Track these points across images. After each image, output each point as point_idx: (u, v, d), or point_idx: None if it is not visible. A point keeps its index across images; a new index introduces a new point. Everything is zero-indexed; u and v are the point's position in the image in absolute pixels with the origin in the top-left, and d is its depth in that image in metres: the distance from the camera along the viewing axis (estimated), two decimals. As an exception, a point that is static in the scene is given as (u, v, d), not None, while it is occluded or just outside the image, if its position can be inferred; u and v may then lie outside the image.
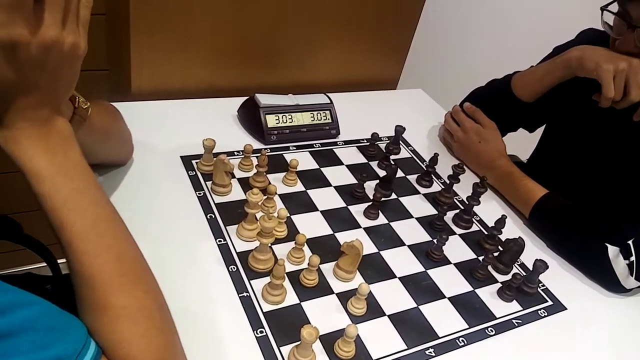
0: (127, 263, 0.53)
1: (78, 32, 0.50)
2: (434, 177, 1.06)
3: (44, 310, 0.44)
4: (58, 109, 0.52)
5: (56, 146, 0.51)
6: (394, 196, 0.99)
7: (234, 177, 0.92)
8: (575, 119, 1.07)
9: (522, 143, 1.24)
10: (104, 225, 0.53)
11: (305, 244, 0.78)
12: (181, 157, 0.94)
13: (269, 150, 1.01)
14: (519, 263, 0.91)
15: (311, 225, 0.87)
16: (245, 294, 0.73)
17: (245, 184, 0.92)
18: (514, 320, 0.80)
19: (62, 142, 0.51)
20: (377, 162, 1.07)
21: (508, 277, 0.87)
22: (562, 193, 0.98)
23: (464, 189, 1.03)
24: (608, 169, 1.01)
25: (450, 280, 0.84)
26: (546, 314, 0.83)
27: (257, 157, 0.91)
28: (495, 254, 0.90)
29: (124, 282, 0.51)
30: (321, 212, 0.91)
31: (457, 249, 0.91)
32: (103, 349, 0.48)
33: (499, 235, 0.92)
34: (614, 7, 0.91)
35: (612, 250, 0.86)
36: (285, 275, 0.72)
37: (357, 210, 0.93)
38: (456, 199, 1.03)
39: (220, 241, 0.80)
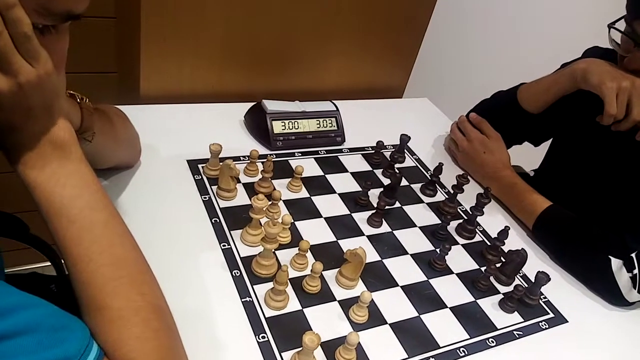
0: (124, 266, 0.54)
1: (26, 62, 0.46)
2: (438, 186, 1.07)
3: (48, 312, 0.45)
4: (51, 120, 0.52)
5: (49, 156, 0.52)
6: (397, 205, 0.99)
7: (239, 182, 0.93)
8: (581, 133, 1.07)
9: (527, 155, 1.24)
10: (99, 230, 0.53)
11: (308, 250, 0.79)
12: (187, 161, 0.95)
13: (275, 156, 1.02)
14: (521, 274, 0.91)
15: (315, 231, 0.88)
16: (248, 298, 0.74)
17: (250, 189, 0.92)
18: (515, 332, 0.81)
19: (56, 151, 0.52)
20: (381, 170, 1.08)
21: (510, 288, 0.87)
22: (566, 206, 0.98)
23: (467, 199, 1.03)
24: (612, 183, 1.02)
25: (452, 290, 0.84)
26: (547, 326, 0.83)
27: (262, 162, 0.92)
28: (498, 265, 0.90)
29: (118, 285, 0.52)
30: (325, 218, 0.91)
31: (459, 259, 0.91)
32: (103, 349, 0.48)
33: (502, 247, 0.92)
34: (621, 25, 0.92)
35: (616, 263, 0.87)
36: (288, 281, 0.73)
37: (361, 218, 0.93)
38: (460, 209, 1.03)
39: (224, 245, 0.81)
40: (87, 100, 0.65)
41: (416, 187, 1.06)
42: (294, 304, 0.75)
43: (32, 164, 0.51)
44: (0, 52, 0.43)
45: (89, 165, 0.55)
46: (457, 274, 0.88)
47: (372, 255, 0.86)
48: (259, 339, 0.69)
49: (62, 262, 0.97)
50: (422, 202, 1.03)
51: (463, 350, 0.75)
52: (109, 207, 0.56)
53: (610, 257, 0.87)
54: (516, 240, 0.99)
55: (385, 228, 0.93)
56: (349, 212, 0.94)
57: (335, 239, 0.87)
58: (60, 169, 0.52)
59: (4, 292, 0.43)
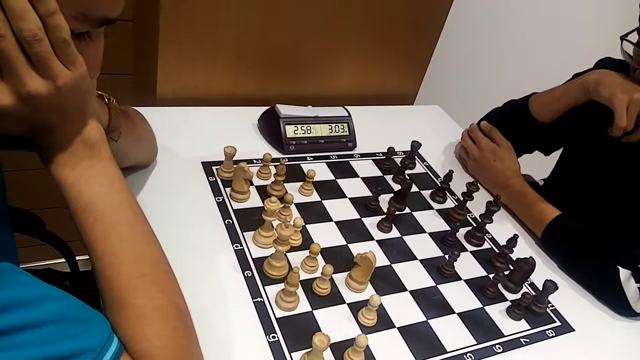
0: (146, 264, 0.55)
1: (63, 66, 0.47)
2: (448, 193, 1.07)
3: (72, 304, 0.47)
4: (84, 121, 0.54)
5: (80, 155, 0.53)
6: (407, 210, 1.00)
7: (252, 184, 0.94)
8: (592, 144, 1.08)
9: (537, 164, 1.25)
10: (124, 227, 0.55)
11: (319, 253, 0.80)
12: (202, 162, 0.97)
13: (287, 160, 1.03)
14: (529, 282, 0.92)
15: (326, 235, 0.89)
16: (259, 299, 0.75)
17: (263, 191, 0.94)
18: (521, 339, 0.81)
19: (87, 150, 0.54)
20: (392, 176, 1.09)
21: (518, 296, 0.87)
22: (575, 215, 0.99)
23: (477, 206, 1.04)
24: (621, 193, 1.02)
25: (460, 296, 0.85)
26: (554, 335, 0.84)
27: (275, 166, 0.93)
28: (506, 273, 0.90)
29: (141, 283, 0.53)
30: (336, 222, 0.92)
31: (468, 266, 0.92)
32: (123, 343, 0.50)
33: (510, 254, 0.93)
34: (634, 37, 0.93)
35: (624, 273, 0.87)
36: (299, 282, 0.74)
37: (371, 223, 0.94)
38: (469, 216, 1.04)
39: (237, 246, 0.82)
40: (114, 101, 0.67)
41: (426, 193, 1.07)
42: (304, 306, 0.76)
43: (64, 163, 0.53)
44: (40, 57, 0.44)
45: (116, 164, 0.57)
46: (465, 281, 0.89)
47: (381, 260, 0.87)
48: (270, 338, 0.70)
49: (76, 259, 0.99)
50: (431, 208, 1.04)
51: (470, 356, 0.76)
52: (134, 206, 0.57)
53: (618, 267, 0.87)
54: (525, 249, 0.99)
55: (394, 233, 0.94)
56: (359, 217, 0.95)
57: (345, 243, 0.89)
58: (90, 168, 0.54)
59: (30, 283, 0.44)
